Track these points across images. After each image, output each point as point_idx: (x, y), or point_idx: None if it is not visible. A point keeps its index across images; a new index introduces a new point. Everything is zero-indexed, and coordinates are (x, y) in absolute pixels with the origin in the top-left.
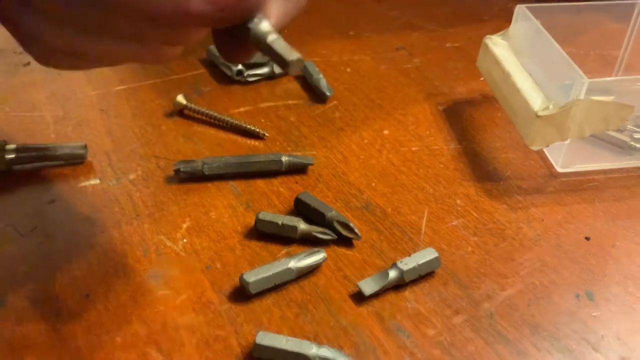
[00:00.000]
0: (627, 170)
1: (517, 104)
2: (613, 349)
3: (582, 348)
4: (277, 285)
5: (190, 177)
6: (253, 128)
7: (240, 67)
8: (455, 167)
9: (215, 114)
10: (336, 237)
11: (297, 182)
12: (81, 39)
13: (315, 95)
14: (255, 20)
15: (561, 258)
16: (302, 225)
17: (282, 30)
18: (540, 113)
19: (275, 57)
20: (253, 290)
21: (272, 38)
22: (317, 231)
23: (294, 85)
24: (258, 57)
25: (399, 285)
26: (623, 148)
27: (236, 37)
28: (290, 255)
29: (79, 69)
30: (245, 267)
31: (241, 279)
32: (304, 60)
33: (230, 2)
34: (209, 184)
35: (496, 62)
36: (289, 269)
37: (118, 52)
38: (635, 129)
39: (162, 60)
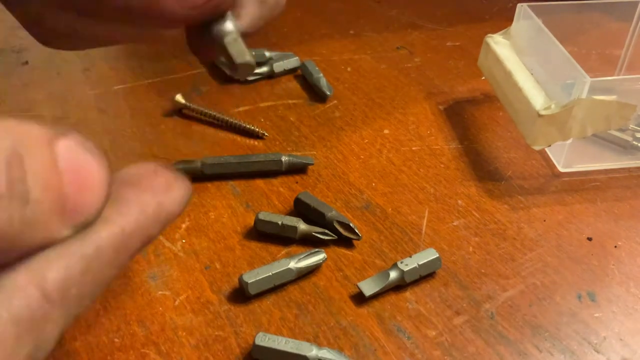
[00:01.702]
0: (629, 170)
1: (519, 103)
2: (615, 350)
3: (583, 349)
4: (276, 286)
5: (189, 177)
6: (252, 128)
7: None
8: (456, 167)
9: (215, 113)
10: (336, 237)
11: (297, 182)
12: (79, 22)
13: (315, 94)
14: (221, 19)
15: (563, 258)
16: (302, 226)
17: (255, 32)
18: (542, 112)
19: (226, 58)
20: (252, 291)
21: (230, 39)
22: (317, 231)
23: (293, 85)
24: (258, 56)
25: (400, 285)
26: (625, 148)
27: (206, 34)
28: (290, 256)
29: (79, 49)
30: (244, 267)
31: (240, 280)
32: (255, 67)
33: (199, 2)
34: (208, 184)
35: (497, 61)
36: (289, 269)
37: (114, 34)
38: (638, 128)
39: (159, 41)
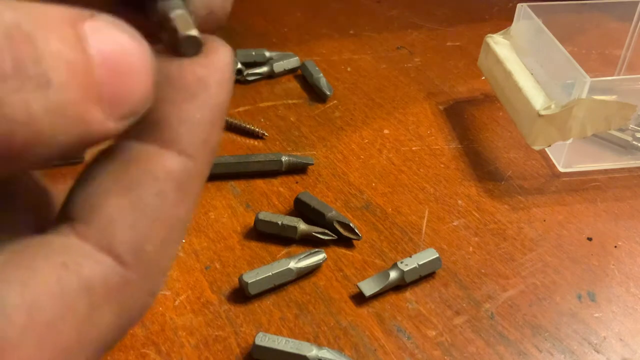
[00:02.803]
0: (629, 170)
1: (519, 103)
2: (615, 350)
3: (583, 349)
4: (276, 286)
5: None
6: (252, 128)
7: (239, 66)
8: (456, 167)
9: None
10: (336, 237)
11: (297, 182)
12: None
13: (315, 94)
14: None
15: (563, 258)
16: (302, 226)
17: (217, 18)
18: (542, 112)
19: (171, 32)
20: (252, 291)
21: (178, 12)
22: (317, 231)
23: (293, 85)
24: (258, 56)
25: (400, 285)
26: (625, 148)
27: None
28: (290, 256)
29: None
30: (244, 267)
31: (240, 280)
32: (201, 44)
33: None
34: (209, 184)
35: (497, 61)
36: (289, 269)
37: None
38: (638, 128)
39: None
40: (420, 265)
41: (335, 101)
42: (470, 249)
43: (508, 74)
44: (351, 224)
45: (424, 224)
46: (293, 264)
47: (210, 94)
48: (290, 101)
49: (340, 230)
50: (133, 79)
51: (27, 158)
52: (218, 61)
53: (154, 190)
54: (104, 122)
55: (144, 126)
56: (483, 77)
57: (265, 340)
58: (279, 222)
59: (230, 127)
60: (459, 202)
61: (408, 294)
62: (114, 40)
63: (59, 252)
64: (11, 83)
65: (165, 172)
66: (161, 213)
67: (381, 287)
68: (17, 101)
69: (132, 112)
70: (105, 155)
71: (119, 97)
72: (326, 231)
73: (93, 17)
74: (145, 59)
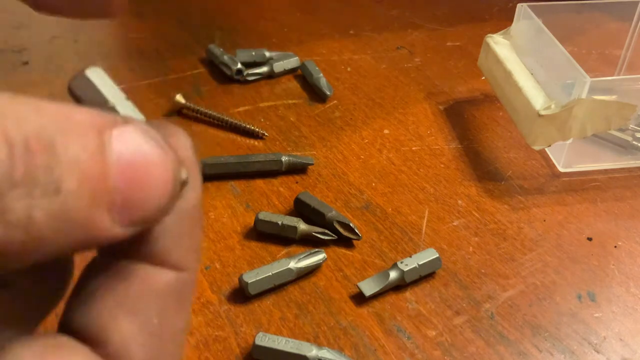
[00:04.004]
0: (629, 170)
1: (519, 103)
2: (615, 350)
3: (583, 349)
4: (276, 286)
5: None
6: (252, 128)
7: (239, 66)
8: (456, 167)
9: (215, 113)
10: (336, 237)
11: (297, 182)
12: None
13: (315, 94)
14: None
15: (563, 258)
16: (302, 226)
17: None
18: (542, 112)
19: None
20: (252, 291)
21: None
22: (317, 231)
23: (293, 85)
24: (258, 56)
25: (400, 285)
26: (625, 148)
27: None
28: (290, 256)
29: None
30: (244, 267)
31: (240, 280)
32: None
33: None
34: (209, 184)
35: (498, 61)
36: (289, 269)
37: None
38: (638, 128)
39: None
40: (420, 265)
41: (335, 101)
42: (470, 249)
43: (508, 74)
44: (351, 224)
45: (424, 224)
46: (293, 264)
47: (185, 200)
48: (290, 101)
49: (340, 230)
50: (151, 188)
51: (23, 259)
52: (182, 155)
53: (158, 309)
54: (111, 228)
55: (131, 241)
56: (483, 77)
57: (265, 340)
58: (279, 222)
59: (230, 127)
60: (459, 202)
61: (408, 294)
62: (137, 148)
63: None
64: (19, 191)
65: (165, 289)
66: (167, 328)
67: (381, 287)
68: (20, 207)
69: (144, 220)
70: (99, 271)
71: (132, 205)
72: (326, 231)
73: (125, 124)
74: (167, 169)
